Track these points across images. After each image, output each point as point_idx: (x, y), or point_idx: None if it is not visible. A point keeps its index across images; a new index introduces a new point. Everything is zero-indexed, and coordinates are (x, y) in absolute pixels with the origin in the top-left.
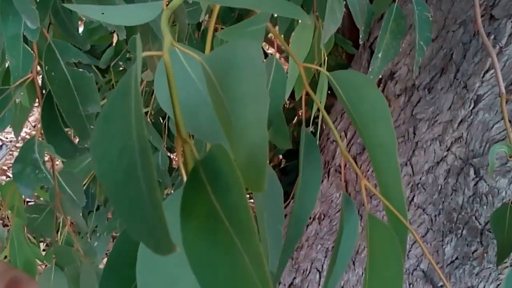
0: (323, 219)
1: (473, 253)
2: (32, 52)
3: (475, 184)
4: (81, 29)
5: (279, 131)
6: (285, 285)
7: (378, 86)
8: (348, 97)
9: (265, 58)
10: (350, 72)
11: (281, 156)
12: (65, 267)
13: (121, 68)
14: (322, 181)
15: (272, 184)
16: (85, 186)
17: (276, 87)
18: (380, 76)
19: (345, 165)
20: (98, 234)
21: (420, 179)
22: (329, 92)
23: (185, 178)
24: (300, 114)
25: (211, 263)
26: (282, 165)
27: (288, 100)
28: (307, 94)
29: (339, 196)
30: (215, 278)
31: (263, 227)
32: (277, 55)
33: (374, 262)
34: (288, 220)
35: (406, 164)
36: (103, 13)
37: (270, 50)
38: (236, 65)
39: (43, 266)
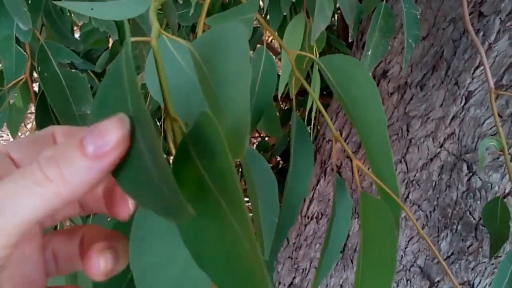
0: (321, 218)
1: (468, 248)
2: (24, 53)
3: (468, 180)
4: (77, 35)
5: (270, 119)
6: (284, 285)
7: None
8: (336, 80)
9: None
10: (338, 56)
11: (278, 158)
12: None
13: None
14: (319, 181)
15: (266, 176)
16: None
17: (267, 77)
18: (373, 75)
19: (341, 164)
20: None
21: (415, 176)
22: (324, 92)
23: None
24: (299, 112)
25: (200, 229)
26: (280, 166)
27: (284, 101)
28: (299, 95)
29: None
30: (204, 242)
31: (257, 218)
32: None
33: (368, 236)
34: (281, 204)
35: (400, 162)
36: (92, 9)
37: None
38: (221, 45)
39: None
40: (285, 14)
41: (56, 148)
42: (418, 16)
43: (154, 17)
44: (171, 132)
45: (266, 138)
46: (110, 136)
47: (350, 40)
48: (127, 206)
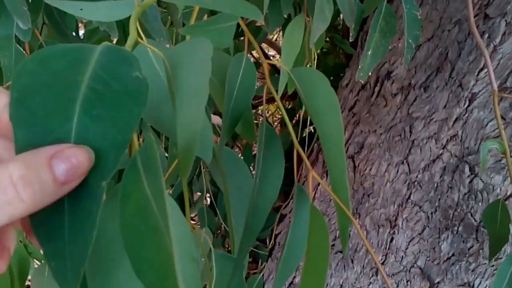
0: None
1: (469, 249)
2: (24, 52)
3: (470, 181)
4: (81, 32)
5: (246, 125)
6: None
7: (375, 85)
8: (305, 92)
9: (266, 58)
10: (307, 69)
11: None
12: None
13: None
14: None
15: (243, 176)
16: None
17: (245, 83)
18: (377, 75)
19: None
20: None
21: (417, 177)
22: None
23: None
24: (300, 114)
25: (141, 242)
26: None
27: (287, 100)
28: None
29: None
30: (142, 253)
31: (228, 206)
32: (278, 56)
33: (310, 247)
34: (247, 208)
35: (402, 163)
36: (81, 9)
37: (271, 52)
38: (187, 59)
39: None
40: (285, 16)
41: (27, 166)
42: (419, 17)
43: (134, 25)
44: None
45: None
46: (79, 163)
47: (351, 40)
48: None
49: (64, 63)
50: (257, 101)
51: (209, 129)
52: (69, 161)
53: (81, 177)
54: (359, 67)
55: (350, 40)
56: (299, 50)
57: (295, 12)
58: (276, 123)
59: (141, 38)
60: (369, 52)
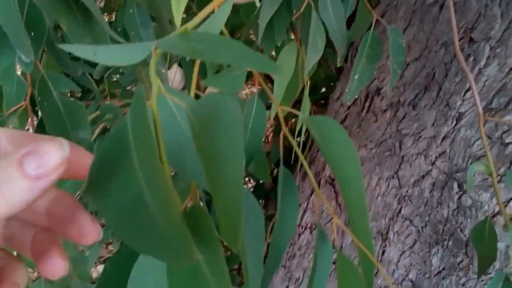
0: (315, 228)
1: (459, 264)
2: (25, 81)
3: (459, 198)
4: None
5: (259, 165)
6: None
7: (365, 100)
8: (322, 141)
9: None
10: (324, 118)
11: (273, 165)
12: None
13: (114, 79)
14: (313, 192)
15: (253, 210)
16: (78, 197)
17: (257, 125)
18: (367, 91)
19: (334, 179)
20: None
21: (407, 191)
22: (322, 101)
23: None
24: (291, 123)
25: None
26: (274, 174)
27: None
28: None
29: (330, 205)
30: None
31: (243, 251)
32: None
33: None
34: (268, 250)
35: (393, 177)
36: (95, 54)
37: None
38: (218, 120)
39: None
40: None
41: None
42: (403, 44)
43: (154, 74)
44: None
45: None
46: (50, 157)
47: (338, 66)
48: (95, 231)
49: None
50: None
51: None
52: (39, 157)
53: (57, 170)
54: (346, 90)
55: (338, 65)
56: (292, 75)
57: (287, 32)
58: (268, 133)
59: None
60: (356, 76)
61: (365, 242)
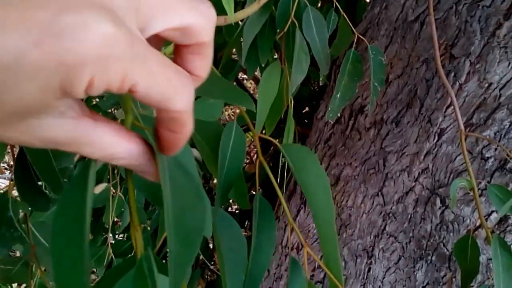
0: (301, 249)
1: (442, 278)
2: None
3: (442, 213)
4: None
5: (238, 192)
6: None
7: (349, 119)
8: (296, 169)
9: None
10: (299, 147)
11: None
12: None
13: (94, 103)
14: (299, 211)
15: (236, 237)
16: None
17: (236, 151)
18: (350, 109)
19: None
20: None
21: (391, 208)
22: (306, 121)
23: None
24: (278, 140)
25: None
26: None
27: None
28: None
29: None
30: None
31: (225, 279)
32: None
33: None
34: (245, 275)
35: (377, 195)
36: None
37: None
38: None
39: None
40: (263, 65)
41: None
42: (384, 62)
43: (129, 103)
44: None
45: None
46: None
47: (321, 84)
48: None
49: None
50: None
51: (208, 206)
52: None
53: None
54: (329, 108)
55: (321, 84)
56: (275, 95)
57: (270, 51)
58: (252, 154)
59: (137, 120)
60: (338, 95)
61: (335, 271)
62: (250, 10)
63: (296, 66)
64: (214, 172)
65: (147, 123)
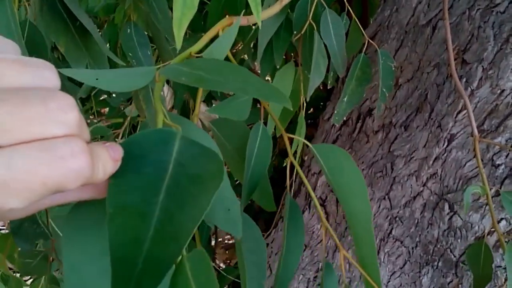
0: (305, 250)
1: (448, 284)
2: None
3: (450, 218)
4: None
5: (264, 193)
6: None
7: (357, 121)
8: (330, 171)
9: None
10: (332, 147)
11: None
12: None
13: (101, 98)
14: (304, 212)
15: (256, 240)
16: None
17: (262, 153)
18: (359, 112)
19: (326, 198)
20: None
21: (398, 212)
22: (311, 121)
23: None
24: (280, 143)
25: None
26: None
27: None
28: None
29: (320, 227)
30: None
31: (245, 281)
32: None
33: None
34: (274, 281)
35: (384, 198)
36: (97, 79)
37: (268, 77)
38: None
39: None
40: (278, 66)
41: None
42: (393, 68)
43: (159, 104)
44: None
45: None
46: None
47: (329, 88)
48: None
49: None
50: None
51: (237, 205)
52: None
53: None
54: (335, 112)
55: (329, 87)
56: (289, 95)
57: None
58: None
59: (165, 117)
60: (345, 99)
61: (373, 275)
62: (272, 11)
63: (315, 69)
64: (235, 173)
65: (175, 121)
